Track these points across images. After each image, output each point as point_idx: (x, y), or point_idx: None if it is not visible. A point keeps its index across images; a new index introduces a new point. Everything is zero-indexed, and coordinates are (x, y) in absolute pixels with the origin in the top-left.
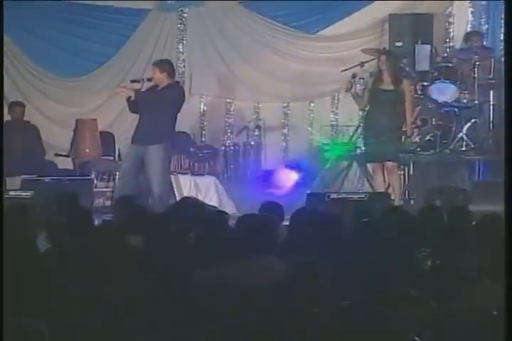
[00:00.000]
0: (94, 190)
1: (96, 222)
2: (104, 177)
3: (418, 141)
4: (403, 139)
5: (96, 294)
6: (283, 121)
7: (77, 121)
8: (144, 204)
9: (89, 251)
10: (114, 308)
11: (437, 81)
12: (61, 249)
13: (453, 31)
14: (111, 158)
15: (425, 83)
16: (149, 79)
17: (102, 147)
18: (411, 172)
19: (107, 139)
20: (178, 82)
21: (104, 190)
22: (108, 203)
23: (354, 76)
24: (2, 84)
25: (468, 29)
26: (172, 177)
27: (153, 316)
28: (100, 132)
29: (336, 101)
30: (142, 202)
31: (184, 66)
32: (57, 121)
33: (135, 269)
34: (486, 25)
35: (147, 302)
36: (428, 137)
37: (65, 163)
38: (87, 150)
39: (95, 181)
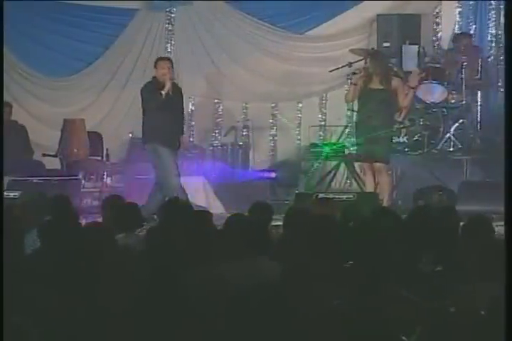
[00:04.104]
0: (82, 190)
1: (84, 222)
2: (91, 177)
3: (406, 141)
4: (391, 139)
5: (85, 294)
6: (271, 121)
7: (64, 120)
8: (133, 205)
9: (77, 251)
10: (103, 309)
11: (425, 81)
12: (49, 250)
13: (441, 32)
14: (99, 158)
15: None
16: (164, 74)
17: (89, 147)
18: (399, 172)
19: (95, 139)
20: None
21: (92, 190)
22: (96, 203)
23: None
24: (2, 84)
25: (456, 29)
26: None
27: (143, 316)
28: (88, 132)
29: (324, 101)
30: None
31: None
32: (45, 121)
33: (124, 270)
34: (474, 26)
35: (137, 303)
36: (416, 137)
37: (53, 163)
38: (75, 150)
39: (83, 181)
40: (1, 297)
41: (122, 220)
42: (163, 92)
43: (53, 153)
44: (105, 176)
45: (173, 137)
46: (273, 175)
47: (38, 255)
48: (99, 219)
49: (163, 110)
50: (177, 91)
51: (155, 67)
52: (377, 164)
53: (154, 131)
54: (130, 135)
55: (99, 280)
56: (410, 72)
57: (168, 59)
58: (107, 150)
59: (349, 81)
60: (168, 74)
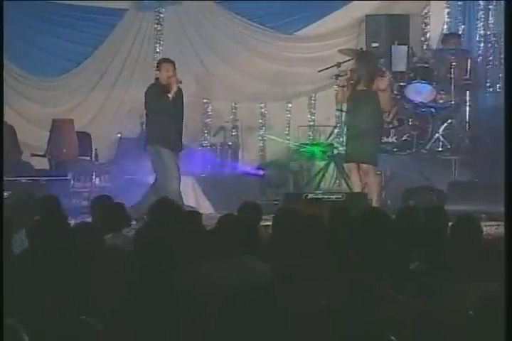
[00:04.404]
0: (71, 190)
1: (73, 222)
2: (80, 177)
3: (395, 141)
4: (380, 139)
5: (75, 295)
6: (260, 121)
7: (53, 121)
8: (121, 205)
9: (66, 251)
10: (93, 309)
11: (414, 81)
12: (37, 250)
13: (429, 32)
14: (87, 158)
15: (402, 83)
16: (169, 77)
17: (78, 147)
18: (388, 172)
19: (84, 139)
20: None
21: (81, 190)
22: (85, 203)
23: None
24: (2, 85)
25: (445, 30)
26: (149, 177)
27: (133, 316)
28: (77, 132)
29: (313, 101)
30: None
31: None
32: (34, 121)
33: (113, 270)
34: (462, 26)
35: (126, 303)
36: (404, 137)
37: (42, 163)
38: (64, 151)
39: (72, 181)
40: (1, 297)
41: (110, 220)
42: (169, 95)
43: (42, 153)
44: (94, 176)
45: (176, 139)
46: (261, 172)
47: (26, 255)
48: (88, 220)
49: (168, 113)
50: (180, 93)
51: (158, 69)
52: (364, 165)
53: (158, 133)
54: (119, 135)
55: (88, 280)
56: (399, 73)
57: (171, 61)
58: (95, 150)
59: (338, 82)
60: (174, 77)
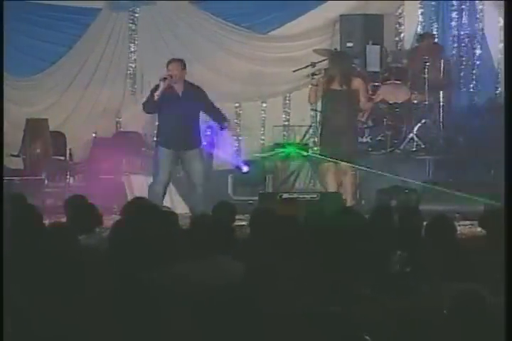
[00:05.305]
0: (45, 189)
1: (47, 222)
2: (55, 177)
3: (369, 141)
4: (355, 139)
5: (49, 295)
6: (235, 121)
7: (27, 120)
8: (95, 205)
9: (40, 250)
10: (66, 309)
11: (388, 81)
12: (12, 250)
13: (403, 32)
14: (62, 158)
15: (376, 83)
16: (171, 76)
17: (53, 147)
18: (362, 172)
19: (58, 139)
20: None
21: (55, 190)
22: (59, 203)
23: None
24: (2, 85)
25: (419, 30)
26: (124, 177)
27: (106, 317)
28: (51, 132)
29: (287, 101)
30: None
31: (135, 66)
32: (8, 121)
33: (88, 270)
34: (436, 26)
35: (101, 303)
36: (379, 137)
37: (16, 163)
38: (38, 150)
39: (46, 181)
40: (1, 297)
41: (84, 220)
42: (155, 95)
43: (16, 153)
44: (68, 176)
45: (176, 139)
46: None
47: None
48: (63, 219)
49: (166, 112)
50: (188, 93)
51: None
52: (343, 164)
53: (158, 131)
54: (94, 135)
55: (63, 280)
56: (373, 73)
57: (175, 61)
58: (70, 149)
59: (312, 81)
60: (169, 76)
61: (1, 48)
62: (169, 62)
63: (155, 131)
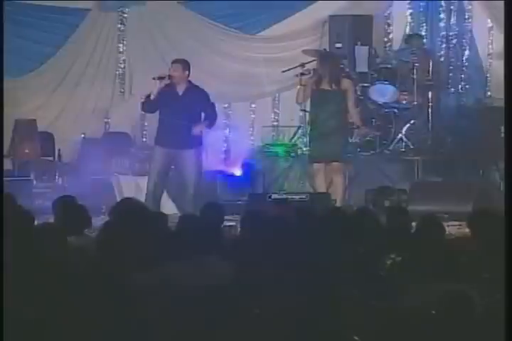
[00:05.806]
0: (34, 190)
1: (36, 223)
2: (43, 177)
3: (358, 141)
4: (344, 140)
5: (36, 296)
6: (224, 121)
7: (15, 121)
8: (84, 206)
9: (29, 252)
10: (55, 310)
11: (377, 82)
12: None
13: (392, 33)
14: (50, 158)
15: (365, 84)
16: (170, 77)
17: (41, 147)
18: (351, 172)
19: (47, 139)
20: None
21: (44, 190)
22: (48, 204)
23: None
24: (2, 85)
25: (407, 31)
26: (113, 178)
27: (94, 318)
28: (40, 132)
29: (276, 101)
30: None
31: (124, 67)
32: None
33: (76, 271)
34: (425, 27)
35: (89, 304)
36: (368, 138)
37: (4, 164)
38: (26, 151)
39: (34, 182)
40: (1, 297)
41: (73, 221)
42: (151, 94)
43: (4, 154)
44: (57, 176)
45: (173, 137)
46: (226, 175)
47: None
48: (51, 220)
49: (165, 111)
50: (189, 93)
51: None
52: (334, 164)
53: (156, 130)
54: (82, 135)
55: (51, 281)
56: (362, 73)
57: (179, 61)
58: (58, 150)
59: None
60: (167, 76)
61: (0, 48)
62: (172, 63)
63: (144, 132)
